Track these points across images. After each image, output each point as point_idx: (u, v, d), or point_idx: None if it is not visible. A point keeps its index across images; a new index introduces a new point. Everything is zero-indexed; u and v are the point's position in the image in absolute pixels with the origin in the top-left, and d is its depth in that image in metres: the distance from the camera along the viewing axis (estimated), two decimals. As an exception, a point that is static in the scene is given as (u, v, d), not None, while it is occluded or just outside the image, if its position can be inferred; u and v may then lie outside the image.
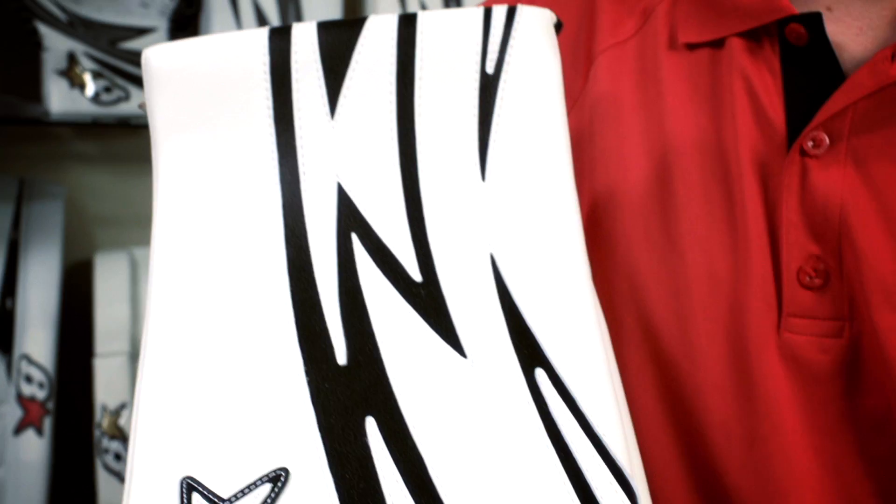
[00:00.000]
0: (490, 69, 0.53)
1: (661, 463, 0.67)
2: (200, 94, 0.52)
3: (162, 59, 0.53)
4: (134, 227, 1.84)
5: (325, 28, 0.53)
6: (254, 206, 0.52)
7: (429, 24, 0.53)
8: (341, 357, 0.51)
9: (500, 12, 0.53)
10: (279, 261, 0.51)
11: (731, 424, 0.64)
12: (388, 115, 0.53)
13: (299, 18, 1.68)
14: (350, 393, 0.50)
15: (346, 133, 0.52)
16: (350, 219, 0.52)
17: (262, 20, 1.66)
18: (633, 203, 0.68)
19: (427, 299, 0.51)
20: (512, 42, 0.53)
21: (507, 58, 0.53)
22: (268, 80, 0.52)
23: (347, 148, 0.52)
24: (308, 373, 0.50)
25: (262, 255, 0.51)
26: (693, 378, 0.65)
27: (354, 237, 0.52)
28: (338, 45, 0.53)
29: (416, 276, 0.52)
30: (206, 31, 1.67)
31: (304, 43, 0.53)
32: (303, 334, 0.51)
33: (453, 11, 0.53)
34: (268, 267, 0.51)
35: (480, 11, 0.53)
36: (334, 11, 1.70)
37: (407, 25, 0.53)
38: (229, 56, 0.52)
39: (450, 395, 0.50)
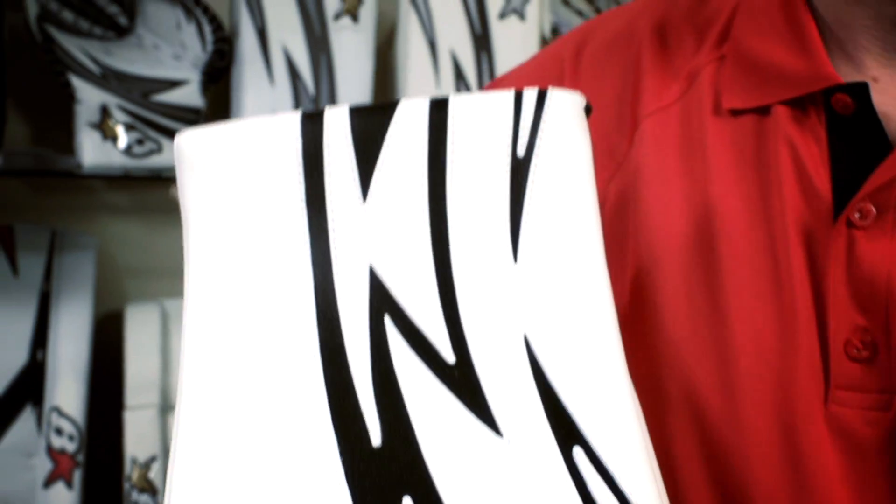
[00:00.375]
0: (521, 153, 0.53)
1: None
2: (233, 179, 0.52)
3: (194, 145, 0.53)
4: (165, 278, 1.84)
5: (356, 112, 0.53)
6: (286, 289, 0.51)
7: (460, 109, 0.53)
8: (376, 438, 0.50)
9: (530, 96, 0.53)
10: (311, 342, 0.51)
11: (778, 497, 0.63)
12: (419, 198, 0.52)
13: (331, 71, 1.68)
14: (386, 474, 0.49)
15: (379, 216, 0.52)
16: (382, 301, 0.51)
17: (293, 73, 1.67)
18: (677, 270, 0.67)
19: (461, 380, 0.50)
20: (542, 125, 0.53)
21: (538, 141, 0.53)
22: (300, 164, 0.52)
23: (379, 230, 0.52)
24: (342, 454, 0.50)
25: (294, 337, 0.51)
26: (739, 449, 0.64)
27: (387, 319, 0.51)
28: (370, 128, 0.52)
29: (450, 357, 0.51)
30: (238, 84, 1.67)
31: (337, 127, 0.52)
32: (336, 416, 0.50)
33: (484, 95, 0.53)
34: (300, 348, 0.51)
35: (511, 95, 0.53)
36: (365, 64, 1.70)
37: (439, 110, 0.53)
38: (262, 142, 0.52)
39: (487, 474, 0.50)
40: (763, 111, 0.67)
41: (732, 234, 0.66)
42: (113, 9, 1.67)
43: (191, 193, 0.53)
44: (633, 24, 0.75)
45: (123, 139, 1.61)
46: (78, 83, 1.61)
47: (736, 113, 0.68)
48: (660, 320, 0.67)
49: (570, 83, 0.75)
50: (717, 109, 0.69)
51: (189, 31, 1.67)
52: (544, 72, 0.78)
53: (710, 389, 0.65)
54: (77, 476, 1.56)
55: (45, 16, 1.61)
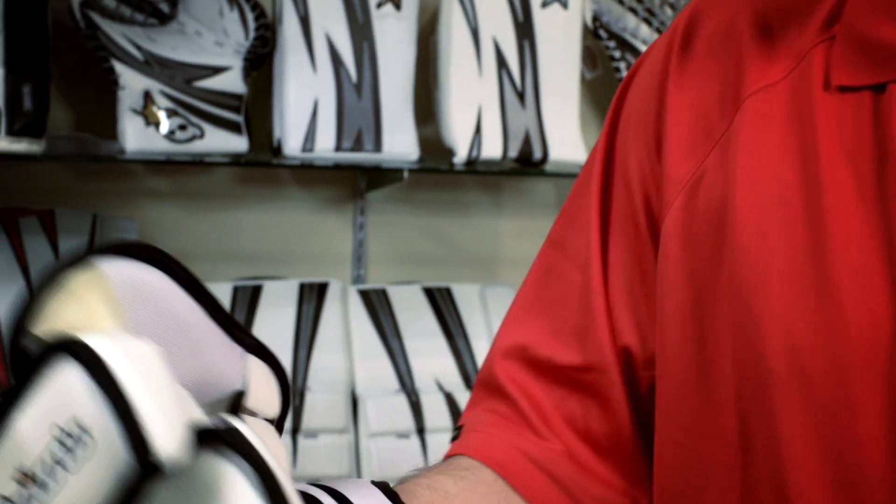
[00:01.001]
0: None
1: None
2: None
3: None
4: (204, 262, 1.85)
5: None
6: None
7: None
8: None
9: None
10: None
11: (891, 479, 0.63)
12: None
13: (373, 58, 1.69)
14: None
15: None
16: None
17: (336, 60, 1.68)
18: (782, 245, 0.67)
19: None
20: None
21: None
22: None
23: None
24: None
25: None
26: (849, 428, 0.63)
27: None
28: None
29: None
30: (281, 71, 1.68)
31: None
32: None
33: None
34: None
35: None
36: (408, 51, 1.71)
37: None
38: None
39: None
40: (878, 89, 0.67)
41: (843, 210, 0.65)
42: (155, -5, 1.68)
43: None
44: (735, 9, 0.75)
45: (166, 125, 1.62)
46: (121, 69, 1.62)
47: (848, 90, 0.67)
48: (765, 295, 0.67)
49: (677, 62, 0.75)
50: (827, 86, 0.68)
51: (231, 18, 1.68)
52: (663, 47, 0.78)
53: (820, 368, 0.64)
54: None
55: (88, 2, 1.62)
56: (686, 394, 0.70)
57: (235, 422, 0.47)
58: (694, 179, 0.72)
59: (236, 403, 0.56)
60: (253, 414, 0.57)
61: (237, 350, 0.58)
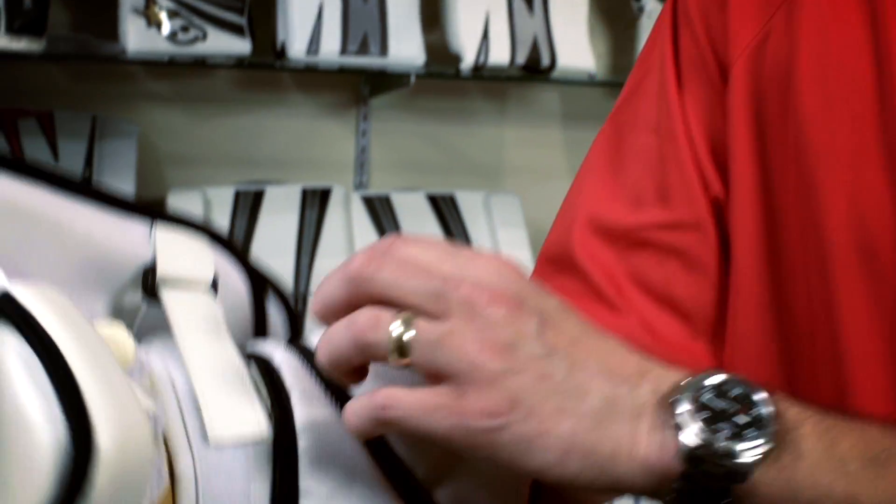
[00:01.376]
0: None
1: (874, 388, 0.65)
2: None
3: None
4: (206, 166, 1.84)
5: None
6: None
7: None
8: None
9: None
10: None
11: None
12: None
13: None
14: None
15: None
16: None
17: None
18: (848, 118, 0.66)
19: None
20: None
21: None
22: None
23: None
24: None
25: None
26: None
27: None
28: None
29: None
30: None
31: None
32: None
33: None
34: None
35: None
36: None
37: None
38: None
39: None
40: None
41: None
42: None
43: None
44: None
45: (167, 26, 1.60)
46: (122, -32, 1.59)
47: None
48: (829, 166, 0.66)
49: None
50: None
51: (235, -83, 1.65)
52: None
53: (885, 241, 0.64)
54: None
55: None
56: (758, 264, 0.69)
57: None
58: (758, 41, 0.70)
59: (153, 278, 0.53)
60: (182, 283, 0.54)
61: (134, 225, 0.55)
